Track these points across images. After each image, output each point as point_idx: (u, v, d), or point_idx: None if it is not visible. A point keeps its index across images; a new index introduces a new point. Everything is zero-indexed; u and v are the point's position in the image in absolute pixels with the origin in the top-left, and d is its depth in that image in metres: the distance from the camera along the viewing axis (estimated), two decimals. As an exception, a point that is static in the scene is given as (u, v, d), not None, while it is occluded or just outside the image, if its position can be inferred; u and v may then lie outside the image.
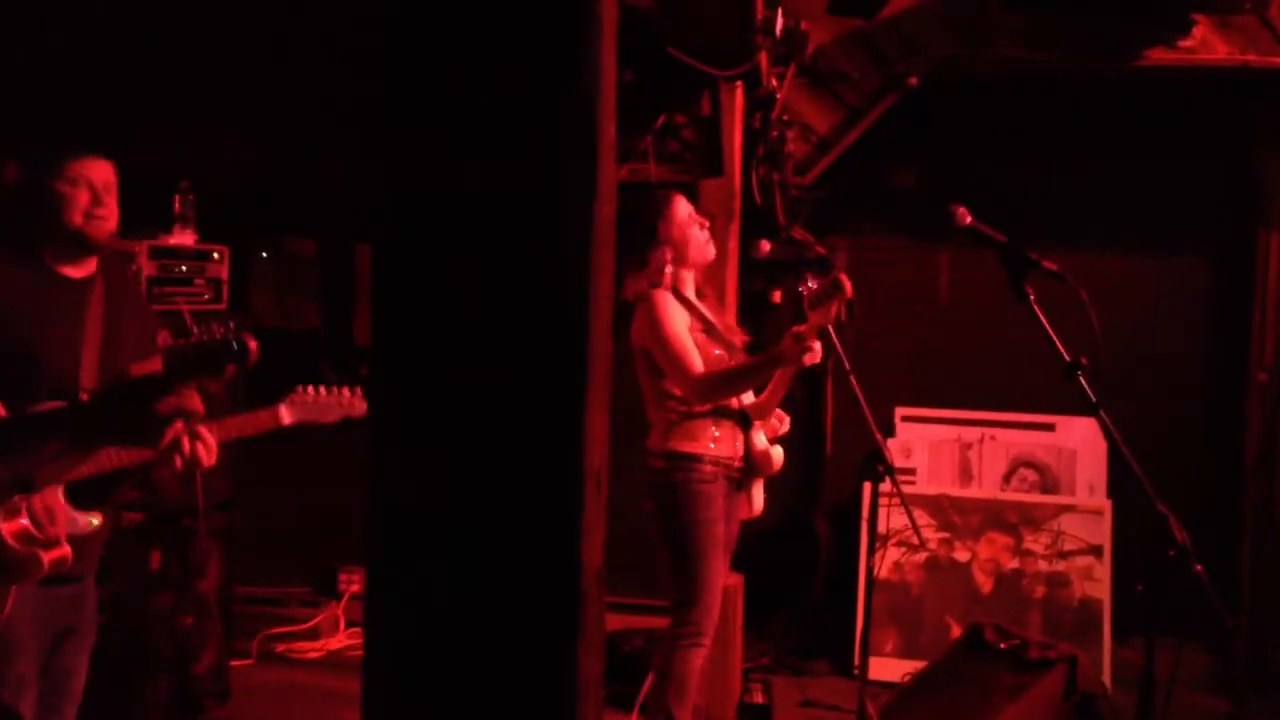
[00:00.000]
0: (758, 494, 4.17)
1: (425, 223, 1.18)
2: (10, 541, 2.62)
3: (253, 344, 1.84)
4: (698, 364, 3.90)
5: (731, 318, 4.24)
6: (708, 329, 4.05)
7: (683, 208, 4.07)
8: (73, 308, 2.94)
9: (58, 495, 2.77)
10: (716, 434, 3.97)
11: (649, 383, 4.03)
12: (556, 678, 1.12)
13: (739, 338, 4.17)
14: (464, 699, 1.17)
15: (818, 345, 3.87)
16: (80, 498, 2.85)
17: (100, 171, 3.01)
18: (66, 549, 2.74)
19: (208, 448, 2.77)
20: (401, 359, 1.19)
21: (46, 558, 2.68)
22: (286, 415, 3.10)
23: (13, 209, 2.91)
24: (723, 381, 3.95)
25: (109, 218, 2.98)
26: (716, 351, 4.00)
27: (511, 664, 1.15)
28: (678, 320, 3.95)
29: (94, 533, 2.87)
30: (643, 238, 4.04)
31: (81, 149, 2.98)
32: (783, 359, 3.86)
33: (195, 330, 1.98)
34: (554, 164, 1.12)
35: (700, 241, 4.06)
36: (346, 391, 3.22)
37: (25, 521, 2.65)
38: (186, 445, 2.80)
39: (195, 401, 1.73)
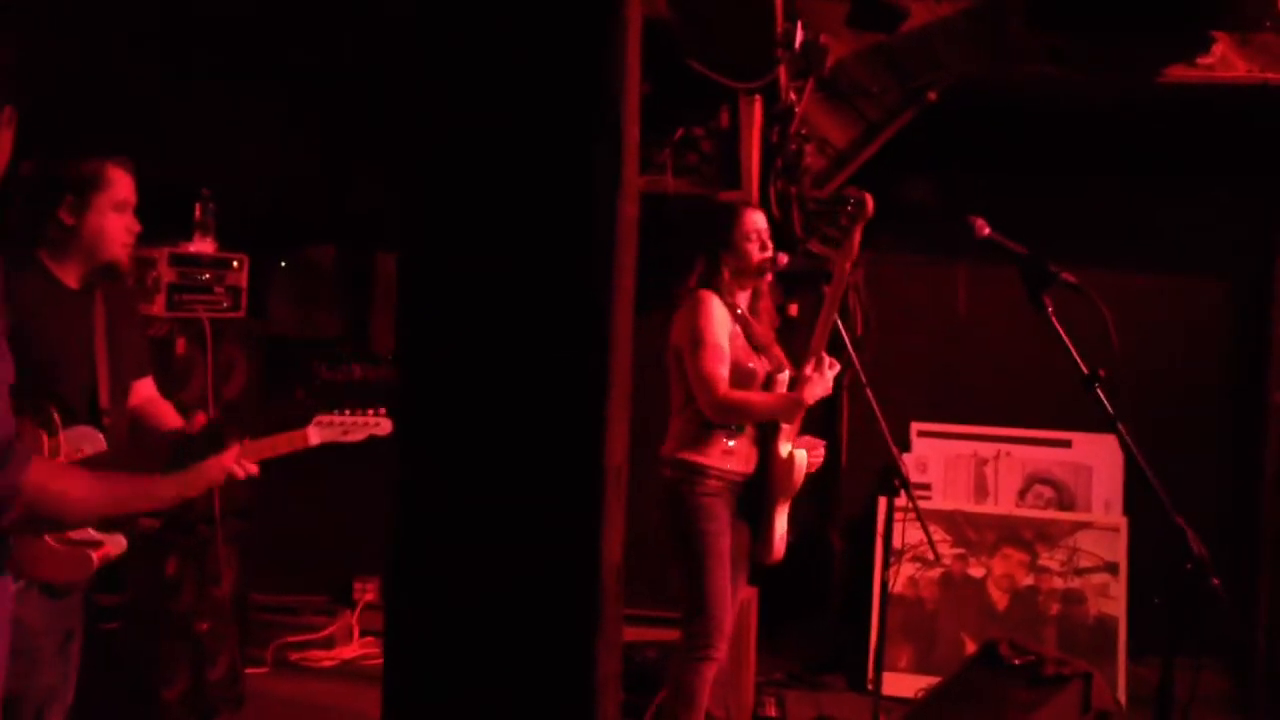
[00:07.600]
0: (780, 524, 4.08)
1: (451, 223, 1.19)
2: (53, 544, 2.73)
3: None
4: (723, 382, 3.87)
5: (779, 350, 4.19)
6: (749, 338, 4.03)
7: (752, 220, 4.04)
8: (84, 318, 2.95)
9: None
10: (730, 445, 3.94)
11: (678, 387, 4.00)
12: (577, 674, 1.12)
13: (784, 367, 4.09)
14: (484, 696, 1.18)
15: (830, 375, 3.89)
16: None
17: (129, 189, 3.02)
18: (110, 548, 2.84)
19: (249, 472, 2.93)
20: (425, 357, 1.20)
21: (95, 555, 2.80)
22: (314, 436, 3.20)
23: (24, 209, 2.92)
24: (741, 407, 3.92)
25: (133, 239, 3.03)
26: (750, 364, 3.96)
27: (531, 660, 1.15)
28: (718, 326, 3.92)
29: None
30: (709, 242, 4.04)
31: (109, 157, 2.99)
32: (803, 403, 3.89)
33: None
34: (583, 163, 1.13)
35: (757, 257, 4.02)
36: (371, 413, 3.30)
37: None
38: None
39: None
